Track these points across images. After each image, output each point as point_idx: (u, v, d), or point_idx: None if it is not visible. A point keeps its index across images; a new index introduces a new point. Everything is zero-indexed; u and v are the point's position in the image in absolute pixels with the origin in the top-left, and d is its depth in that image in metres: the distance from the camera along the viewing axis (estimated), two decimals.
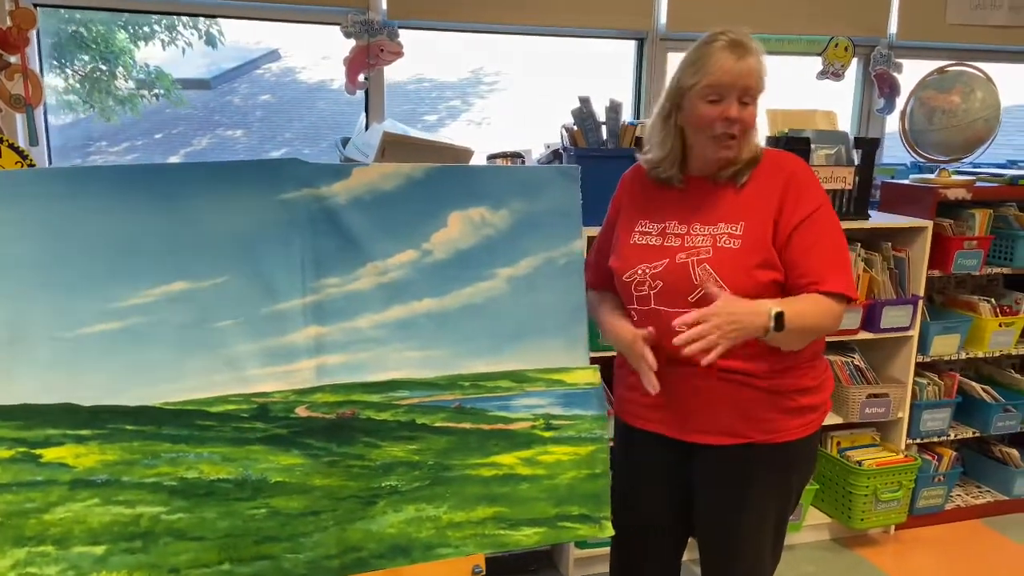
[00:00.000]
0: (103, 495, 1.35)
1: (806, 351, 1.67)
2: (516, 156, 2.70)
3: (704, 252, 1.60)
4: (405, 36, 2.82)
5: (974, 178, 3.00)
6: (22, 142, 2.49)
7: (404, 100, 3.44)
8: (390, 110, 2.93)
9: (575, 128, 2.57)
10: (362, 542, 1.49)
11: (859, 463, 2.87)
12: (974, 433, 3.17)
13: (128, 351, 1.36)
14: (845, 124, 3.53)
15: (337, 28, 2.75)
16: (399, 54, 2.81)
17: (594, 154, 2.53)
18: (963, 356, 3.07)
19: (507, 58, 3.46)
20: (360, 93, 2.86)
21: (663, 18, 3.11)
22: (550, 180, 1.65)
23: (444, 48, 3.20)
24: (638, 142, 2.56)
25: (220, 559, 1.39)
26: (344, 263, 1.50)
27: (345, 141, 2.70)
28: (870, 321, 2.85)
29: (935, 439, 3.12)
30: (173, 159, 3.23)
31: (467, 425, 1.57)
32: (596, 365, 1.68)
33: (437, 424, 1.55)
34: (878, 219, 2.89)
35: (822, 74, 3.34)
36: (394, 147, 2.43)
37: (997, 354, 3.14)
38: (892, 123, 3.37)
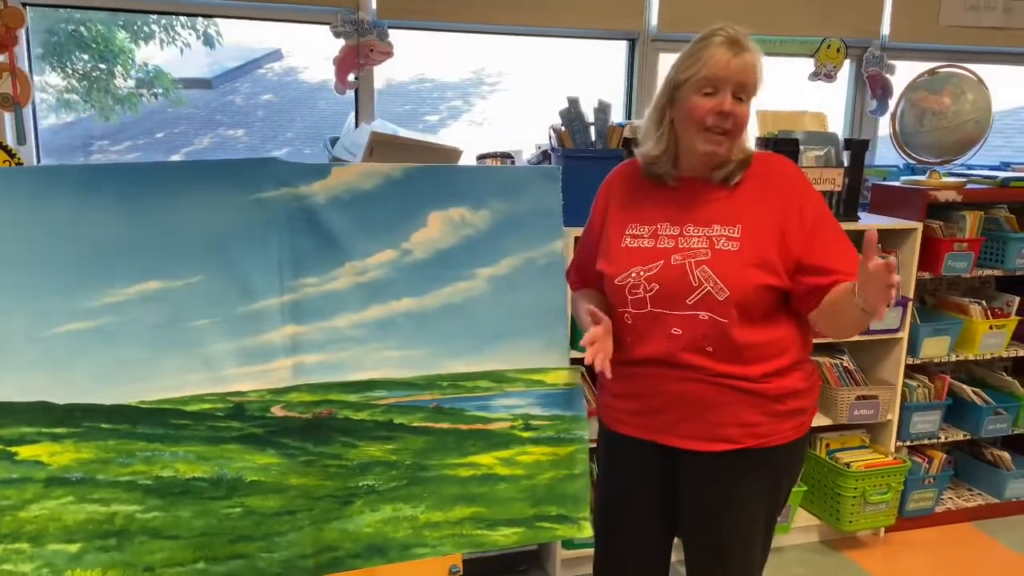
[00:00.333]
0: (78, 493, 1.36)
1: (799, 352, 1.67)
2: (506, 156, 2.71)
3: (702, 254, 1.58)
4: (406, 37, 2.82)
5: (965, 180, 3.00)
6: (10, 141, 2.50)
7: (406, 100, 3.44)
8: (392, 110, 2.93)
9: (563, 129, 2.57)
10: (338, 541, 1.49)
11: (847, 465, 2.87)
12: (965, 436, 3.16)
13: (102, 350, 1.36)
14: (837, 126, 3.53)
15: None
16: (389, 54, 2.82)
17: (581, 155, 2.53)
18: (954, 358, 3.06)
19: (509, 59, 3.46)
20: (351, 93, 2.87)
21: (654, 19, 3.10)
22: (531, 181, 1.65)
23: (445, 49, 3.21)
24: (626, 143, 2.57)
25: (195, 558, 1.40)
26: (322, 262, 1.50)
27: (334, 141, 2.70)
28: None
29: (925, 441, 3.11)
30: (175, 158, 3.23)
31: (445, 425, 1.58)
32: (578, 367, 1.68)
33: (415, 424, 1.56)
34: (868, 221, 2.89)
35: (814, 75, 3.33)
36: (382, 147, 2.43)
37: (988, 356, 3.13)
38: (885, 125, 3.37)
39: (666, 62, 3.14)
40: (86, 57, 2.90)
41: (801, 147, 2.69)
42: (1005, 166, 3.49)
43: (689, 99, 1.57)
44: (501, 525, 1.59)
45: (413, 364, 1.56)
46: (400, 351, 1.56)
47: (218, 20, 2.90)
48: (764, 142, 2.69)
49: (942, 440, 3.14)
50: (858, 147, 2.80)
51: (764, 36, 3.18)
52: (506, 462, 1.60)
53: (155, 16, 2.85)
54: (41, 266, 1.34)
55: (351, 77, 2.80)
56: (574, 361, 1.69)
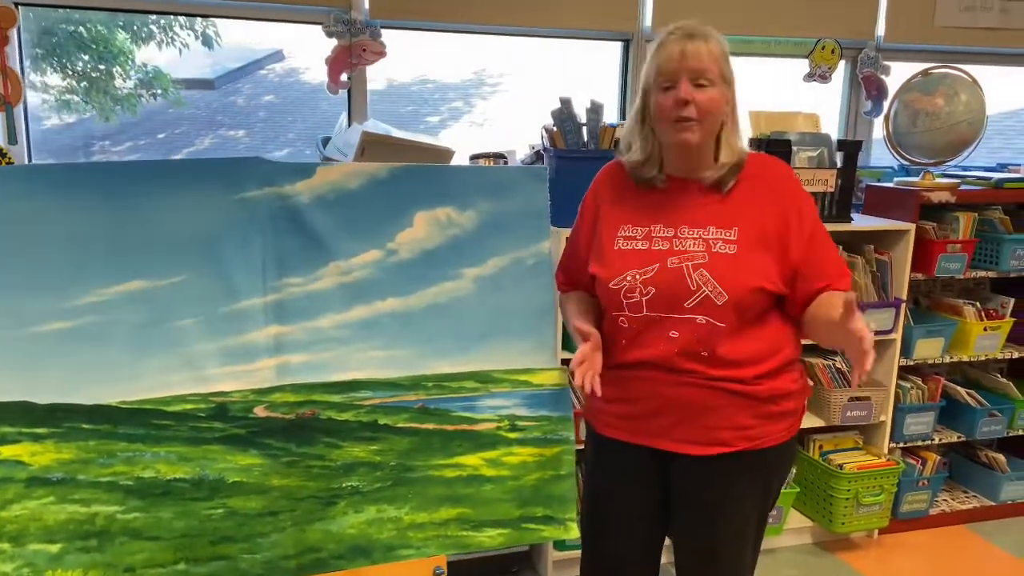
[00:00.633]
0: (59, 493, 1.35)
1: (791, 353, 1.67)
2: (499, 157, 2.70)
3: (699, 257, 1.57)
4: (407, 38, 2.81)
5: (959, 181, 2.99)
6: (1, 140, 2.50)
7: (408, 101, 3.44)
8: (394, 111, 2.92)
9: (554, 129, 2.57)
10: (321, 543, 1.48)
11: (840, 466, 2.86)
12: (959, 437, 3.15)
13: (83, 350, 1.35)
14: (832, 127, 3.52)
15: None
16: (382, 54, 2.81)
17: (573, 155, 2.53)
18: (948, 360, 3.05)
19: (509, 59, 3.45)
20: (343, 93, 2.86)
21: (648, 20, 3.10)
22: (518, 181, 1.64)
23: (446, 49, 3.20)
24: (618, 144, 2.56)
25: (176, 559, 1.39)
26: (306, 262, 1.49)
27: (326, 141, 2.69)
28: None
29: (919, 443, 3.10)
30: (175, 158, 3.22)
31: (431, 426, 1.57)
32: (564, 367, 1.67)
33: (400, 424, 1.55)
34: (860, 222, 2.88)
35: (809, 76, 3.32)
36: (374, 147, 2.42)
37: (983, 358, 3.12)
38: (879, 126, 3.36)
39: None
40: (86, 57, 2.90)
41: (794, 148, 2.68)
42: (1001, 167, 3.48)
43: (655, 100, 1.58)
44: (487, 526, 1.58)
45: (398, 364, 1.55)
46: (385, 351, 1.55)
47: (217, 21, 2.90)
48: (756, 143, 2.68)
49: (936, 442, 3.13)
50: (851, 148, 2.80)
51: (758, 37, 3.18)
52: (492, 463, 1.59)
53: (154, 17, 2.84)
54: (24, 265, 1.34)
55: (344, 77, 2.80)
56: (564, 362, 1.68)
